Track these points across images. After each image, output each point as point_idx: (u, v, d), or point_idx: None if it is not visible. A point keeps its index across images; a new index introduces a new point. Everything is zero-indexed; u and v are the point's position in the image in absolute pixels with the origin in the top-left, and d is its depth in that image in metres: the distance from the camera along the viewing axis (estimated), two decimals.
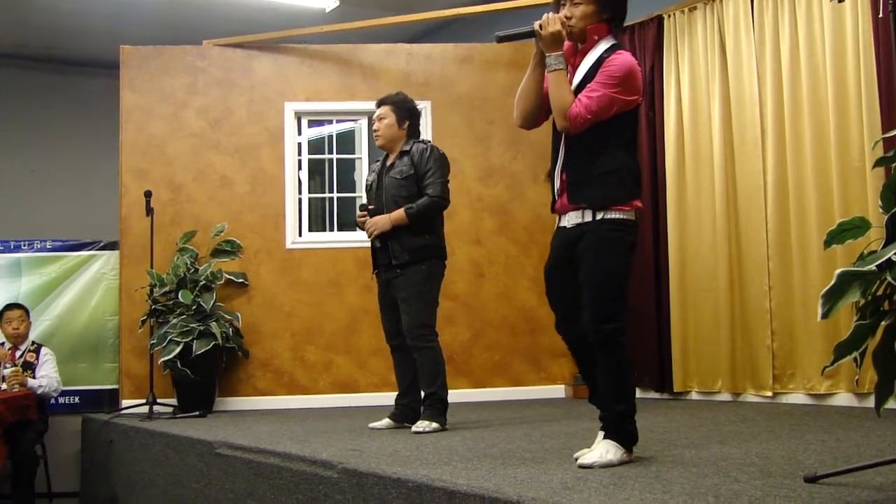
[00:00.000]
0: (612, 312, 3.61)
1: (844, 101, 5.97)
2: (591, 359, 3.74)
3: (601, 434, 3.69)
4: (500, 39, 3.76)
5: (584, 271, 3.64)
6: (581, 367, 3.85)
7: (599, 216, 3.61)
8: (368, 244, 5.72)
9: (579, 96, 3.59)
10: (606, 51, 3.67)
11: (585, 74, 3.67)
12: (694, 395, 6.98)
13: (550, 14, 3.66)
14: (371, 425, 5.57)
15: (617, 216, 3.62)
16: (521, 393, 7.69)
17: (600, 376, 3.70)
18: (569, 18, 3.67)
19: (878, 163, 3.00)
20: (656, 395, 7.12)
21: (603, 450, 3.53)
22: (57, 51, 10.31)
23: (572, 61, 3.73)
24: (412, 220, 5.43)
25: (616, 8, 3.74)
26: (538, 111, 3.83)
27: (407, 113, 5.69)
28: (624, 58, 3.64)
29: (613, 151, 3.65)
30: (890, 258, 2.68)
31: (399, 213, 5.45)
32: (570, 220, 3.69)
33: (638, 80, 3.68)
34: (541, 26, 3.63)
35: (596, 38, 3.70)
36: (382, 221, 5.48)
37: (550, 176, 3.79)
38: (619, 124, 3.64)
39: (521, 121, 3.89)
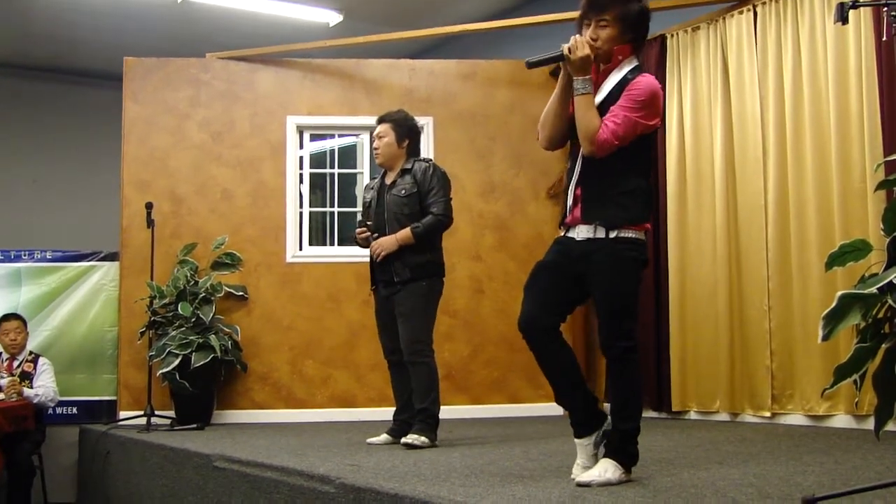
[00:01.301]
0: (627, 330, 3.62)
1: (846, 122, 5.98)
2: (553, 357, 3.72)
3: (584, 445, 3.69)
4: (532, 65, 3.71)
5: (597, 290, 3.64)
6: (543, 366, 3.77)
7: (613, 234, 3.60)
8: (368, 259, 5.72)
9: (605, 121, 3.56)
10: (630, 72, 3.67)
11: (609, 94, 3.66)
12: (692, 415, 6.97)
13: (579, 38, 3.62)
14: (369, 441, 5.56)
15: (630, 235, 3.62)
16: (519, 410, 7.68)
17: (611, 394, 3.71)
18: (594, 40, 3.66)
19: (880, 186, 3.01)
20: (654, 415, 7.11)
21: (602, 468, 3.52)
22: (60, 61, 10.35)
23: (594, 79, 3.72)
24: (418, 239, 5.44)
25: (639, 30, 3.73)
26: (565, 133, 3.80)
27: (407, 131, 5.69)
28: (648, 81, 3.64)
29: (629, 172, 3.65)
30: (891, 281, 2.68)
31: (405, 233, 5.45)
32: (581, 233, 3.66)
33: (660, 103, 3.69)
34: (570, 50, 3.61)
35: (620, 58, 3.70)
36: (389, 242, 5.47)
37: (564, 190, 3.78)
38: (637, 146, 3.64)
39: (546, 143, 3.85)
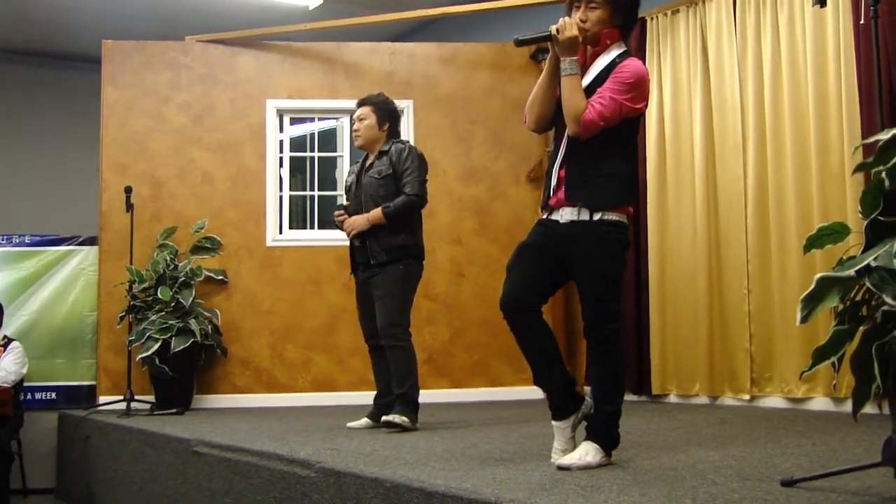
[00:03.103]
0: (613, 312, 3.64)
1: (825, 106, 6.00)
2: (533, 338, 3.73)
3: (562, 428, 3.69)
4: (519, 43, 3.73)
5: (582, 272, 3.64)
6: (524, 346, 3.76)
7: (597, 216, 3.61)
8: (348, 243, 5.72)
9: (591, 102, 3.57)
10: (619, 56, 3.68)
11: (596, 77, 3.66)
12: (672, 398, 7.00)
13: (567, 19, 3.63)
14: (349, 425, 5.56)
15: (613, 218, 3.62)
16: (500, 394, 7.69)
17: (594, 377, 3.72)
18: (583, 22, 3.66)
19: (857, 168, 3.00)
20: (634, 398, 7.13)
21: (583, 451, 3.53)
22: (39, 44, 10.25)
23: (581, 61, 3.72)
24: (389, 219, 5.44)
25: (629, 15, 3.75)
26: (552, 115, 3.80)
27: (387, 114, 5.70)
28: (636, 65, 3.66)
29: (613, 155, 3.65)
30: (869, 263, 2.68)
31: (376, 213, 5.45)
32: (564, 216, 3.66)
33: (647, 87, 3.70)
34: (558, 31, 3.61)
35: (609, 42, 3.71)
36: (360, 221, 5.49)
37: (547, 173, 3.78)
38: (622, 129, 3.64)
39: (534, 126, 3.86)
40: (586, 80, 3.67)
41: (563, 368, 3.77)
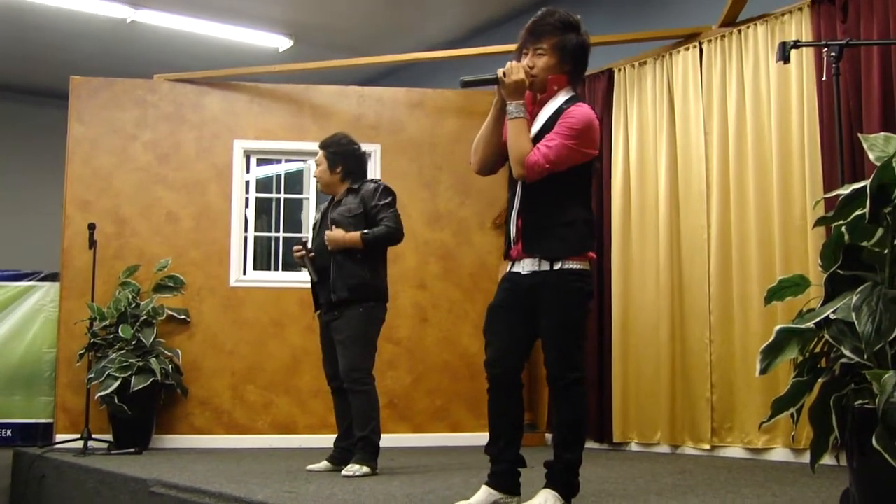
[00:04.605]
0: (576, 361, 3.64)
1: (788, 159, 6.08)
2: (509, 403, 3.71)
3: (491, 496, 3.63)
4: (465, 85, 3.76)
5: (545, 321, 3.64)
6: (497, 409, 3.72)
7: (556, 266, 3.61)
8: (310, 283, 5.69)
9: (538, 145, 3.60)
10: (566, 102, 3.70)
11: (544, 124, 3.69)
12: (633, 446, 7.01)
13: (514, 62, 3.68)
14: (309, 467, 5.53)
15: (573, 266, 3.63)
16: (461, 439, 7.65)
17: (556, 424, 3.71)
18: (531, 68, 3.70)
19: (818, 222, 3.05)
20: (595, 446, 7.14)
21: (542, 499, 3.52)
22: (4, 78, 10.21)
23: (531, 110, 3.74)
24: (367, 245, 5.42)
25: (578, 61, 3.77)
26: (497, 158, 3.83)
27: (339, 157, 5.69)
28: (583, 110, 3.67)
29: (568, 203, 3.67)
30: (828, 316, 2.72)
31: (354, 236, 5.42)
32: (525, 267, 3.68)
33: (596, 133, 3.72)
34: (504, 74, 3.65)
35: (556, 88, 3.73)
36: (339, 237, 5.44)
37: (506, 222, 3.80)
38: (574, 176, 3.67)
39: (478, 167, 3.88)
40: (535, 128, 3.70)
41: (519, 446, 3.73)
